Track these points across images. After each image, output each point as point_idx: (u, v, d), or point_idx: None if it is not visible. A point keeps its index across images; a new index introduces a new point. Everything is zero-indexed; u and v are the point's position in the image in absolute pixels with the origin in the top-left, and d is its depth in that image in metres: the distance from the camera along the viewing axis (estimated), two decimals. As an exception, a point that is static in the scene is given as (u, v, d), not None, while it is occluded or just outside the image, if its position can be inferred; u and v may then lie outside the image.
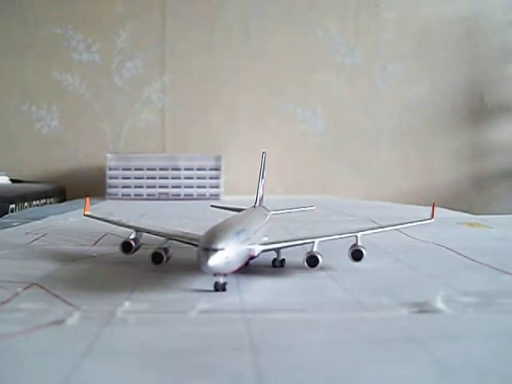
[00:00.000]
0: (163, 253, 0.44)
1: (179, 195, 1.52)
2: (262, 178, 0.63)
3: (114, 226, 0.56)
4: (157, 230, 0.50)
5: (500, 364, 0.24)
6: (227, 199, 1.46)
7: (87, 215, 0.55)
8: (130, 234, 0.48)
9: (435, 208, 0.53)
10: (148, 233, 0.50)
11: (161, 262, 0.44)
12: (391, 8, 1.68)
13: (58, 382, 0.22)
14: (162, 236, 0.48)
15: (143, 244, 0.49)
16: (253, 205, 0.60)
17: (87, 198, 0.57)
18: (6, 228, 0.75)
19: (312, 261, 0.43)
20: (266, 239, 0.48)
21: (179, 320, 0.31)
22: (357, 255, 0.45)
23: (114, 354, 0.25)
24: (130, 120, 1.76)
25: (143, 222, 0.61)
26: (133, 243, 0.47)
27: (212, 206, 0.75)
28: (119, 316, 0.31)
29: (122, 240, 0.47)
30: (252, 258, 0.44)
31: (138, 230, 0.50)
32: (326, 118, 1.69)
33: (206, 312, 0.32)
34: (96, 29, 1.75)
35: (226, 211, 0.66)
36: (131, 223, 0.53)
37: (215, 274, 0.38)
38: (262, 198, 0.63)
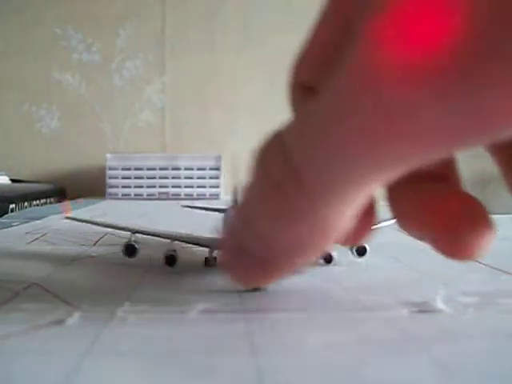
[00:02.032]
0: (175, 254, 0.44)
1: (179, 195, 1.52)
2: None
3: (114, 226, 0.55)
4: (158, 231, 0.50)
5: (500, 364, 0.24)
6: (227, 199, 1.46)
7: (69, 218, 0.54)
8: (131, 236, 0.48)
9: (435, 208, 0.53)
10: (148, 235, 0.49)
11: (175, 263, 0.44)
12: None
13: (58, 382, 0.22)
14: (164, 238, 0.48)
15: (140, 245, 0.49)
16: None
17: (67, 202, 0.55)
18: (5, 228, 0.75)
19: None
20: None
21: (179, 320, 0.31)
22: (361, 251, 0.46)
23: (113, 354, 0.25)
24: (130, 120, 1.76)
25: (135, 223, 0.61)
26: (136, 246, 0.46)
27: (184, 206, 0.73)
28: (119, 316, 0.31)
29: (123, 242, 0.47)
30: None
31: (135, 231, 0.49)
32: (326, 117, 1.69)
33: (206, 312, 0.32)
34: (96, 29, 1.75)
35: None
36: (123, 225, 0.52)
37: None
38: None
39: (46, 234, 0.68)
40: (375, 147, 0.20)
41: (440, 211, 0.29)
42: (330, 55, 0.27)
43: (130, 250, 0.46)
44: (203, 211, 0.68)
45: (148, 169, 1.54)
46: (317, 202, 0.22)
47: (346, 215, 0.24)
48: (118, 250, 0.47)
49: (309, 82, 0.30)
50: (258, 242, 0.24)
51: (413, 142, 0.19)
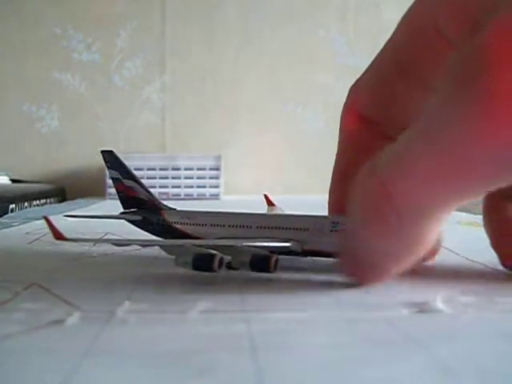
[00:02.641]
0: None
1: (179, 195, 1.52)
2: (125, 178, 0.58)
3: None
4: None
5: (500, 364, 0.24)
6: (227, 199, 1.46)
7: (62, 238, 0.39)
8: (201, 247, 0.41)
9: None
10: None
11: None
12: (391, 8, 1.68)
13: (58, 381, 0.22)
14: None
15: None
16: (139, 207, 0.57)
17: (46, 219, 0.40)
18: (5, 228, 0.75)
19: None
20: None
21: (179, 320, 0.31)
22: None
23: (114, 354, 0.25)
24: (130, 120, 1.76)
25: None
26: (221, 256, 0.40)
27: (66, 215, 0.67)
28: (119, 316, 0.31)
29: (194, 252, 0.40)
30: None
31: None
32: (326, 117, 1.69)
33: (206, 312, 0.32)
34: (96, 28, 1.75)
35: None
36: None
37: None
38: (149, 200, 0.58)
39: (46, 234, 0.67)
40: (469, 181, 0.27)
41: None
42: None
43: (217, 262, 0.39)
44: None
45: (148, 169, 1.54)
46: (406, 223, 0.30)
47: (431, 232, 0.30)
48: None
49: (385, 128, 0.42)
50: (367, 254, 0.32)
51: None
